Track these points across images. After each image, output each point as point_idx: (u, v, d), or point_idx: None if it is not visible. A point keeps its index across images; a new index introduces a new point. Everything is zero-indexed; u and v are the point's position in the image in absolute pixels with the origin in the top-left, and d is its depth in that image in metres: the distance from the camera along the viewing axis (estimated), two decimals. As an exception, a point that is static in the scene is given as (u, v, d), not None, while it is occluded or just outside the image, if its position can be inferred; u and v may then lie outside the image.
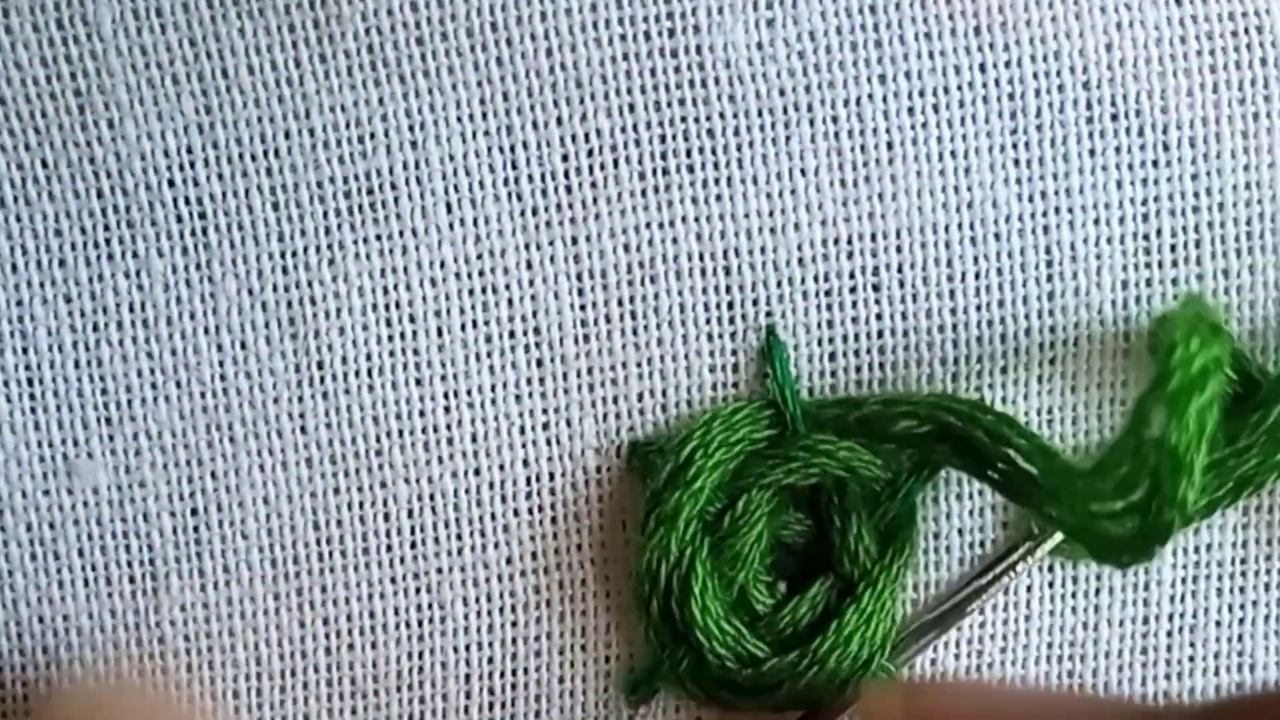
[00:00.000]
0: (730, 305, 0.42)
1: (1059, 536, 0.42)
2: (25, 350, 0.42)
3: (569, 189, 0.42)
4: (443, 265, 0.42)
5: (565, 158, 0.42)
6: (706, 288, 0.42)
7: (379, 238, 0.42)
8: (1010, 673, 0.43)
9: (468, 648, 0.43)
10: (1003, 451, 0.39)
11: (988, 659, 0.43)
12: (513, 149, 0.42)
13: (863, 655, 0.41)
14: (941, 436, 0.40)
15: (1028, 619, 0.43)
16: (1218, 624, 0.43)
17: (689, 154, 0.42)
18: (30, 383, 0.42)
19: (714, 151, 0.42)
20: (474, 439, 0.43)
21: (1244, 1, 0.41)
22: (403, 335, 0.42)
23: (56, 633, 0.43)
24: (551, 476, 0.43)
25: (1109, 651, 0.43)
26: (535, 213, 0.42)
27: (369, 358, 0.42)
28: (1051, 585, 0.43)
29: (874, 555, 0.42)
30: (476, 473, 0.43)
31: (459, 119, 0.42)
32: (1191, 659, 0.44)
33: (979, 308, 0.42)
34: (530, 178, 0.42)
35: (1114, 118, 0.42)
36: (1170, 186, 0.42)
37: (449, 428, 0.43)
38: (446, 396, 0.43)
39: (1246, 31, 0.42)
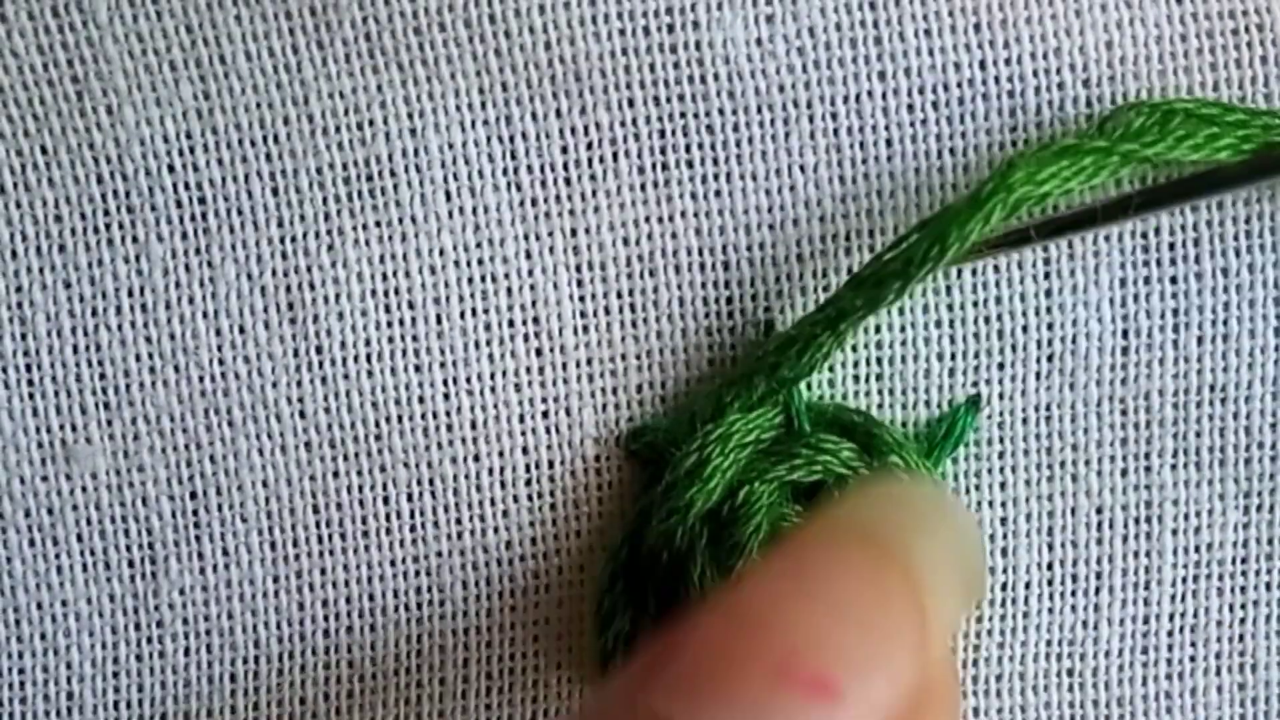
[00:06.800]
0: (729, 300, 0.42)
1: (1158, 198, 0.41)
2: (24, 336, 0.43)
3: (568, 181, 0.42)
4: (442, 253, 0.42)
5: (564, 150, 0.42)
6: (705, 282, 0.42)
7: (378, 224, 0.42)
8: (1008, 670, 0.43)
9: (466, 632, 0.43)
10: None
11: (985, 654, 0.43)
12: (511, 140, 0.42)
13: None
14: None
15: (1026, 616, 0.43)
16: (1219, 624, 0.43)
17: (688, 149, 0.42)
18: (29, 368, 0.43)
19: (713, 147, 0.42)
20: (473, 425, 0.43)
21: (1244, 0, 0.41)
22: (402, 322, 0.42)
23: (55, 618, 0.43)
24: (551, 464, 0.43)
25: (1109, 650, 0.43)
26: (534, 204, 0.42)
27: (368, 343, 0.42)
28: (1050, 583, 0.43)
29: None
30: (476, 459, 0.43)
31: (458, 108, 0.42)
32: (1193, 659, 0.43)
33: (976, 304, 0.42)
34: (529, 169, 0.42)
35: (1115, 115, 0.41)
36: (1170, 184, 0.42)
37: (448, 414, 0.43)
38: (445, 383, 0.43)
39: (1247, 30, 0.41)
